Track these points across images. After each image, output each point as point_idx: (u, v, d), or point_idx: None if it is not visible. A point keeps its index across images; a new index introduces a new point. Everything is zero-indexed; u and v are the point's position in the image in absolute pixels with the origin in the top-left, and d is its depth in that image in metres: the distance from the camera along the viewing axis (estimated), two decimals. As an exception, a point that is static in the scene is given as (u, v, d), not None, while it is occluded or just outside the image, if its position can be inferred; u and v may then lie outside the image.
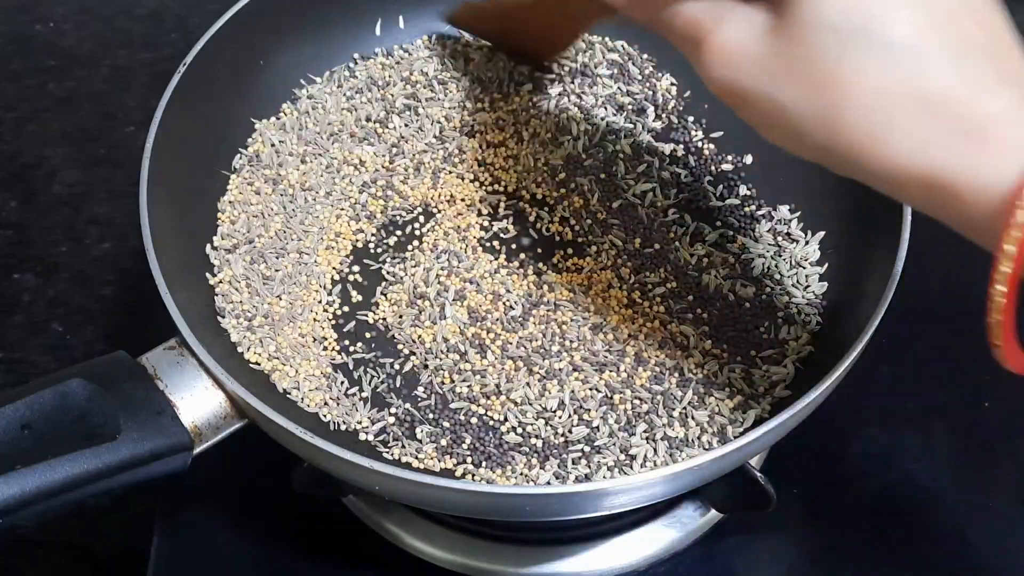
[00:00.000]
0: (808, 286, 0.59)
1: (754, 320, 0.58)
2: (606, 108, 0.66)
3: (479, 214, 0.63)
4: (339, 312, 0.59)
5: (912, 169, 0.37)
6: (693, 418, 0.55)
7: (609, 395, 0.55)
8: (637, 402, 0.55)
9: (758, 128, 0.42)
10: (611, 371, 0.56)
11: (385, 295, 0.60)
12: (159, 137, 0.57)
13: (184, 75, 0.60)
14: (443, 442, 0.54)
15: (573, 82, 0.67)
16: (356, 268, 0.61)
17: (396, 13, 0.70)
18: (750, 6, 0.41)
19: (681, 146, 0.65)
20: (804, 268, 0.60)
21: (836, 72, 0.38)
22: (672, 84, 0.67)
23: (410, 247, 0.62)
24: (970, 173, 0.36)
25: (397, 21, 0.70)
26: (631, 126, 0.65)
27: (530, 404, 0.55)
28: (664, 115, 0.66)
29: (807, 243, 0.60)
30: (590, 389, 0.55)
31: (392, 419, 0.55)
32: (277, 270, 0.59)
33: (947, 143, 0.36)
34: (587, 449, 0.54)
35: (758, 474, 0.54)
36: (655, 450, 0.54)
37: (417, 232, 0.62)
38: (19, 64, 0.86)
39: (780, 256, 0.60)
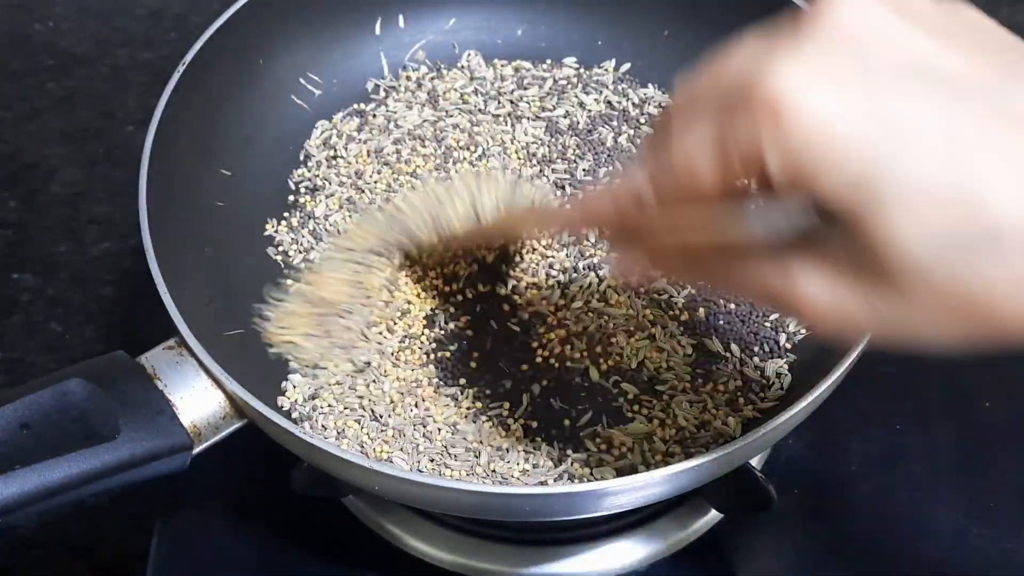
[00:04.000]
0: None
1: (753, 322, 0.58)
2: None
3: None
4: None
5: None
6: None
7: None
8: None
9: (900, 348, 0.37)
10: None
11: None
12: (159, 137, 0.57)
13: (184, 74, 0.60)
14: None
15: None
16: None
17: (396, 12, 0.70)
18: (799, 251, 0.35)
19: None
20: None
21: (963, 286, 0.32)
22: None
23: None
24: None
25: (397, 20, 0.70)
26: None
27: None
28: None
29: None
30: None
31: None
32: None
33: None
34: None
35: (758, 474, 0.54)
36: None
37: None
38: (18, 63, 0.86)
39: None
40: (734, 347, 0.57)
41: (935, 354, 0.36)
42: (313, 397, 0.56)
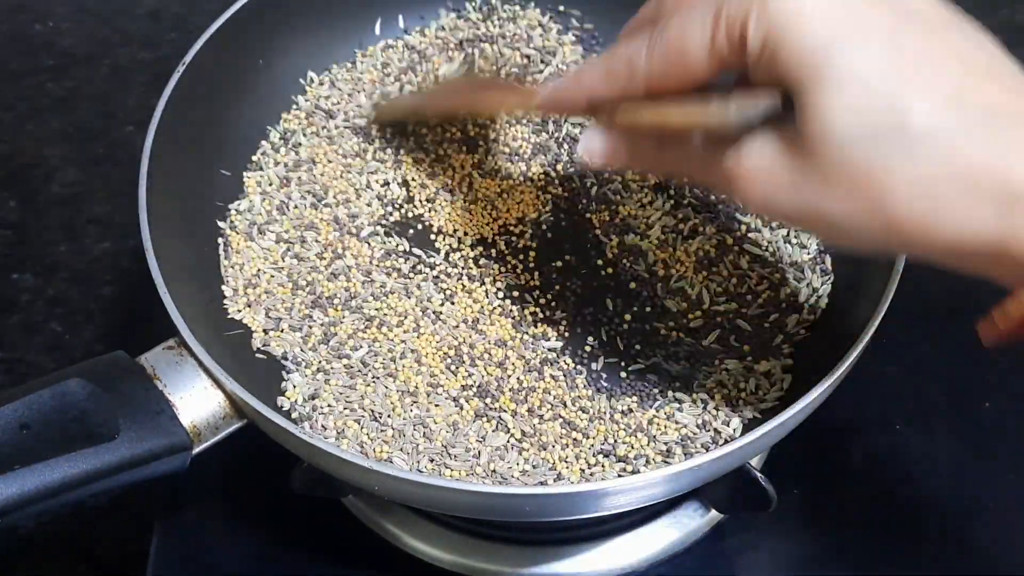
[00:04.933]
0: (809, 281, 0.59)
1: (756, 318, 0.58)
2: None
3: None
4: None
5: (969, 244, 0.37)
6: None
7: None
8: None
9: (813, 234, 0.43)
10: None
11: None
12: (158, 136, 0.57)
13: (183, 74, 0.60)
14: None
15: None
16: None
17: (396, 12, 0.70)
18: (759, 130, 0.40)
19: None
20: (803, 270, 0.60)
21: (871, 176, 0.37)
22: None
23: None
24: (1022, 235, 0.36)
25: (397, 20, 0.70)
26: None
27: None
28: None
29: (804, 246, 0.60)
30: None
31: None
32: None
33: (996, 213, 0.36)
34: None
35: (758, 474, 0.54)
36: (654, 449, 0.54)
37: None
38: (18, 63, 0.86)
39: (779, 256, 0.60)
40: (734, 347, 0.57)
41: (848, 251, 0.42)
42: (313, 397, 0.56)
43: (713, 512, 0.60)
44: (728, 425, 0.55)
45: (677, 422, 0.55)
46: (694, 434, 0.55)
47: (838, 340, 0.52)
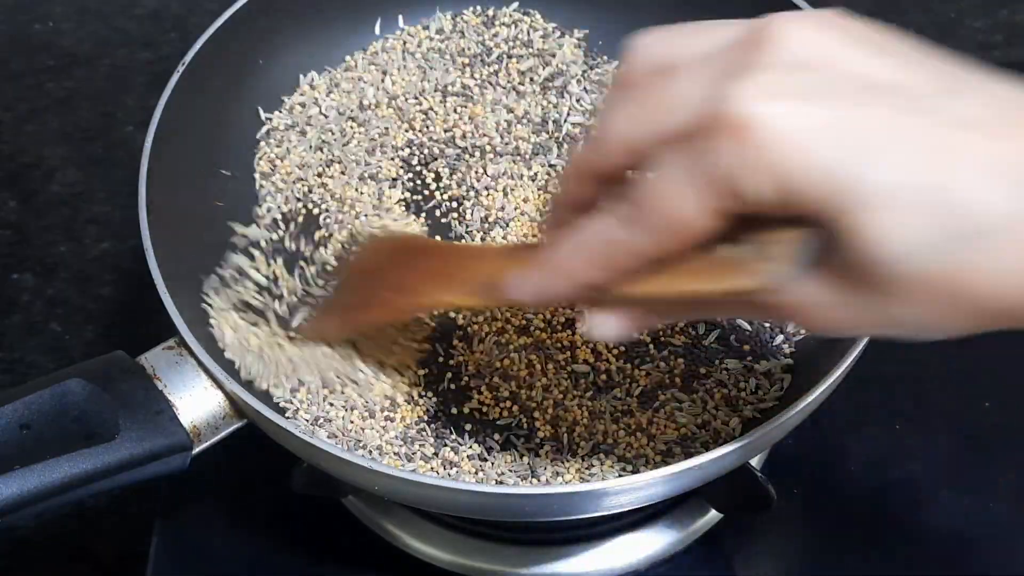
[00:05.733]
0: None
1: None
2: None
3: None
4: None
5: None
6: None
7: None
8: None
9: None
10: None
11: None
12: (158, 137, 0.57)
13: (183, 74, 0.60)
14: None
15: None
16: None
17: (396, 12, 0.70)
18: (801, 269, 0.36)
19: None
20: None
21: (949, 279, 0.33)
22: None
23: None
24: None
25: (397, 20, 0.70)
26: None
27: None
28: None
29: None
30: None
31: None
32: None
33: None
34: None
35: (758, 474, 0.54)
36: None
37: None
38: (18, 63, 0.86)
39: None
40: (734, 347, 0.57)
41: (930, 342, 0.37)
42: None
43: (713, 512, 0.60)
44: (728, 425, 0.55)
45: (677, 422, 0.55)
46: (694, 434, 0.55)
47: (838, 340, 0.52)
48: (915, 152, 0.32)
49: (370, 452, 0.54)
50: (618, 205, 0.36)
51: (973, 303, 0.34)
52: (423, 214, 0.63)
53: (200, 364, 0.50)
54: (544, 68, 0.68)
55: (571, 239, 0.38)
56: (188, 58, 0.60)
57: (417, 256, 0.53)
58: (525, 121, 0.66)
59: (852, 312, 0.36)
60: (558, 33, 0.70)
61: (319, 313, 0.56)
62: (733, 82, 0.33)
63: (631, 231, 0.36)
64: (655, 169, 0.35)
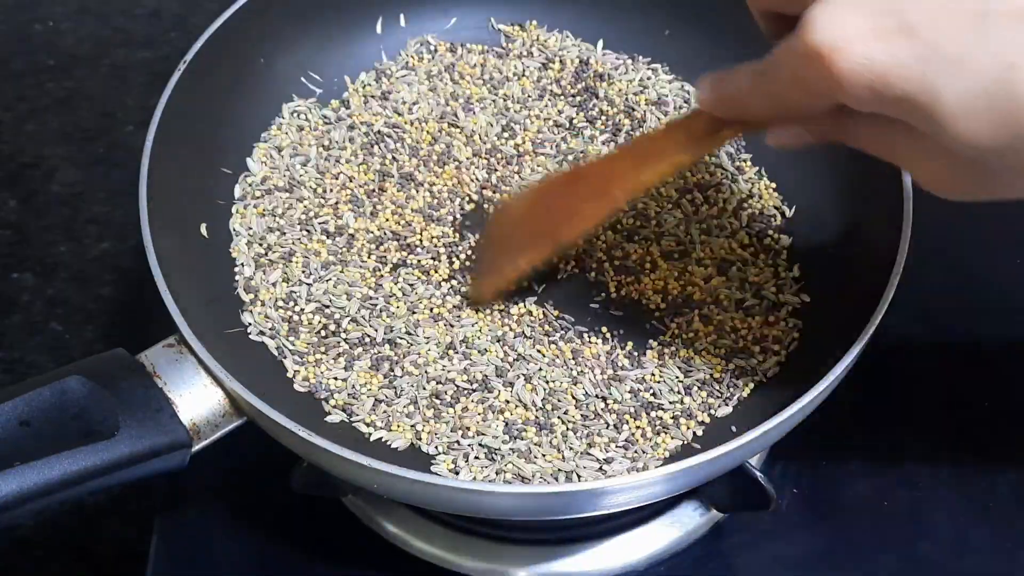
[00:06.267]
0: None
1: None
2: None
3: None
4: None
5: None
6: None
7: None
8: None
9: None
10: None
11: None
12: (158, 136, 0.57)
13: (184, 74, 0.60)
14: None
15: None
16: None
17: (397, 11, 0.70)
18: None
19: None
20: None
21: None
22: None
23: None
24: None
25: (398, 19, 0.70)
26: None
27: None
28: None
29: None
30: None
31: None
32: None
33: None
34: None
35: (758, 473, 0.54)
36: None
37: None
38: (18, 63, 0.86)
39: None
40: (733, 345, 0.58)
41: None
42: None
43: (713, 511, 0.60)
44: (727, 422, 0.55)
45: (677, 420, 0.55)
46: (694, 433, 0.55)
47: (838, 339, 0.52)
48: (980, 56, 0.37)
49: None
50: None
51: None
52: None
53: (200, 362, 0.51)
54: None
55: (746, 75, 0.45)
56: (189, 58, 0.60)
57: (553, 194, 0.57)
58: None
59: (954, 180, 0.42)
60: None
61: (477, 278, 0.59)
62: (814, 15, 0.39)
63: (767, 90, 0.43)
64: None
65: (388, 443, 0.55)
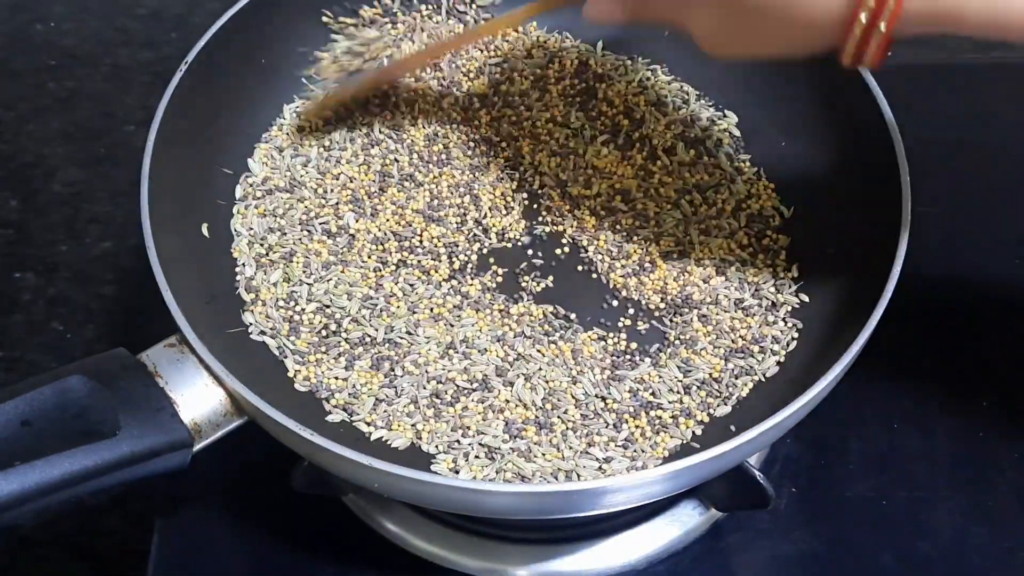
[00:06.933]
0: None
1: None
2: None
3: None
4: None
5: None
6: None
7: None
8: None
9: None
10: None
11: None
12: (160, 136, 0.57)
13: (185, 74, 0.60)
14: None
15: None
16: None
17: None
18: None
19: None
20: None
21: None
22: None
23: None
24: None
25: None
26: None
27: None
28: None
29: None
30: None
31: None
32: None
33: None
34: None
35: (757, 473, 0.54)
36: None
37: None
38: (19, 63, 0.86)
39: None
40: (732, 345, 0.58)
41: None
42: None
43: (712, 510, 0.60)
44: (726, 422, 0.55)
45: (676, 420, 0.55)
46: (693, 432, 0.55)
47: (836, 340, 0.52)
48: None
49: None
50: None
51: None
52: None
53: (201, 361, 0.51)
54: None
55: None
56: (190, 58, 0.60)
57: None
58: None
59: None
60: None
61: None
62: None
63: None
64: None
65: (388, 442, 0.55)
